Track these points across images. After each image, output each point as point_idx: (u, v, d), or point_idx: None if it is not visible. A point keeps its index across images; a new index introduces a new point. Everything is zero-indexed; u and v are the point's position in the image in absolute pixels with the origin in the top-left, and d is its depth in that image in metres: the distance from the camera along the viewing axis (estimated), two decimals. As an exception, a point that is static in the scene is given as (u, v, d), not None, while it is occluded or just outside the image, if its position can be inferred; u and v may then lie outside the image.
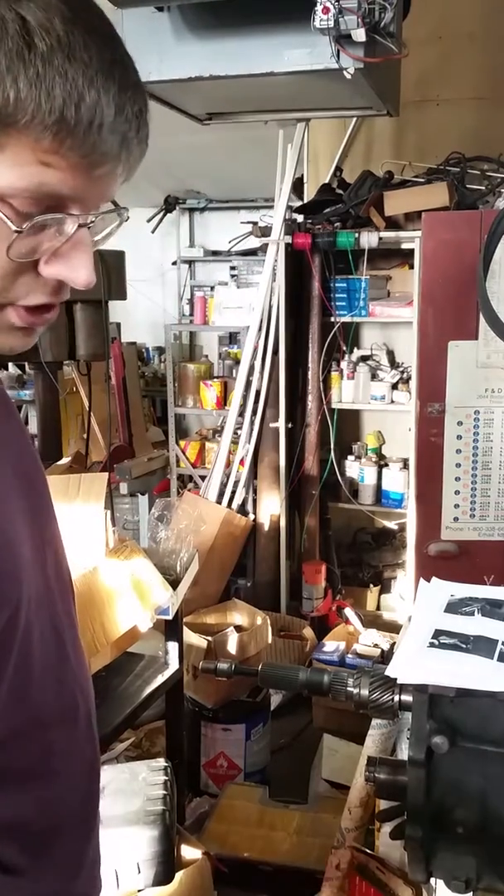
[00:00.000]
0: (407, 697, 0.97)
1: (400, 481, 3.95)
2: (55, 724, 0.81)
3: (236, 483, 3.98)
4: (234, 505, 3.96)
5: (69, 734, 0.83)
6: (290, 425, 3.92)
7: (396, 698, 1.00)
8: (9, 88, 0.63)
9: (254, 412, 3.95)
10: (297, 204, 4.03)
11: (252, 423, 3.95)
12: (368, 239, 3.59)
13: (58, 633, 0.82)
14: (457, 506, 3.14)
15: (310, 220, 3.85)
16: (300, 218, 3.91)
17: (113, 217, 0.76)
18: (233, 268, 6.55)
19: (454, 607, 1.04)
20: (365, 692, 1.04)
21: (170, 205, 6.85)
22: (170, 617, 2.29)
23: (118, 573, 2.17)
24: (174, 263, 7.16)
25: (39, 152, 0.65)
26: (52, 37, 0.63)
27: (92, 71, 0.65)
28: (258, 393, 3.93)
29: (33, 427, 4.08)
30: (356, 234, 3.61)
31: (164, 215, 6.87)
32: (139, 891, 1.87)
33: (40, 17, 0.63)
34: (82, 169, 0.67)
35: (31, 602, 0.76)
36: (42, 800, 0.80)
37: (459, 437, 3.10)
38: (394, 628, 3.46)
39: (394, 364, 4.02)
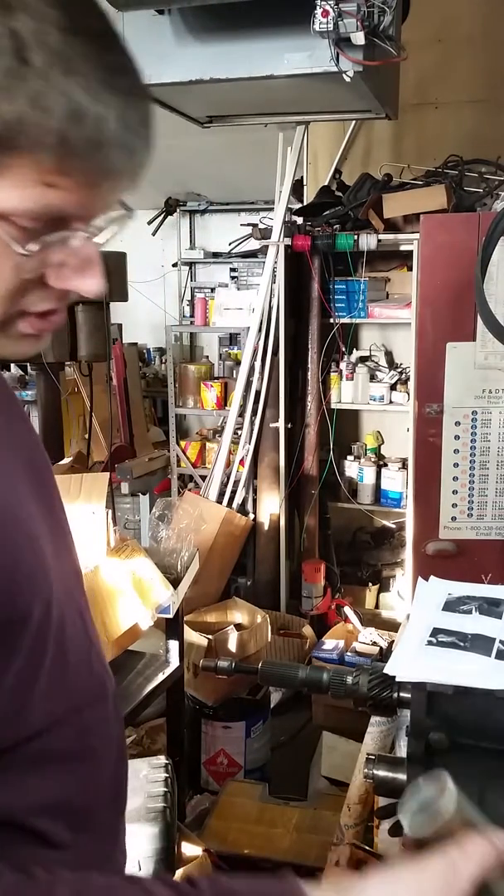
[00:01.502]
0: (406, 695, 0.99)
1: (398, 481, 3.96)
2: (89, 706, 0.84)
3: (236, 483, 4.00)
4: (235, 504, 3.98)
5: (101, 714, 0.86)
6: (289, 425, 3.93)
7: (395, 696, 1.02)
8: (6, 109, 0.59)
9: (254, 412, 3.96)
10: (297, 206, 4.05)
11: (252, 423, 3.96)
12: (367, 241, 3.60)
13: (83, 619, 0.85)
14: (455, 505, 3.16)
15: (309, 223, 3.87)
16: (300, 220, 3.92)
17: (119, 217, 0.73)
18: (233, 269, 6.55)
19: (452, 606, 1.06)
20: (364, 690, 1.06)
21: (170, 207, 6.85)
22: (170, 615, 2.31)
23: (119, 572, 2.19)
24: (175, 265, 7.16)
25: (43, 173, 0.62)
26: (46, 50, 0.59)
27: (92, 83, 0.61)
28: (258, 393, 3.94)
29: (35, 428, 4.09)
30: (355, 236, 3.62)
31: (165, 217, 6.87)
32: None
33: (33, 29, 0.59)
34: (88, 186, 0.65)
35: (60, 593, 0.78)
36: (82, 778, 0.83)
37: (457, 438, 3.12)
38: (392, 626, 3.48)
39: (392, 365, 4.04)
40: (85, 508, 2.22)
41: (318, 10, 2.43)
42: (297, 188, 4.19)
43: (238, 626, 3.25)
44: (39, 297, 0.71)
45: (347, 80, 2.59)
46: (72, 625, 0.80)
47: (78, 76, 0.60)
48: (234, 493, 3.99)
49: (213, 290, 6.20)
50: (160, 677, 2.32)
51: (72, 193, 0.64)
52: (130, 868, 1.84)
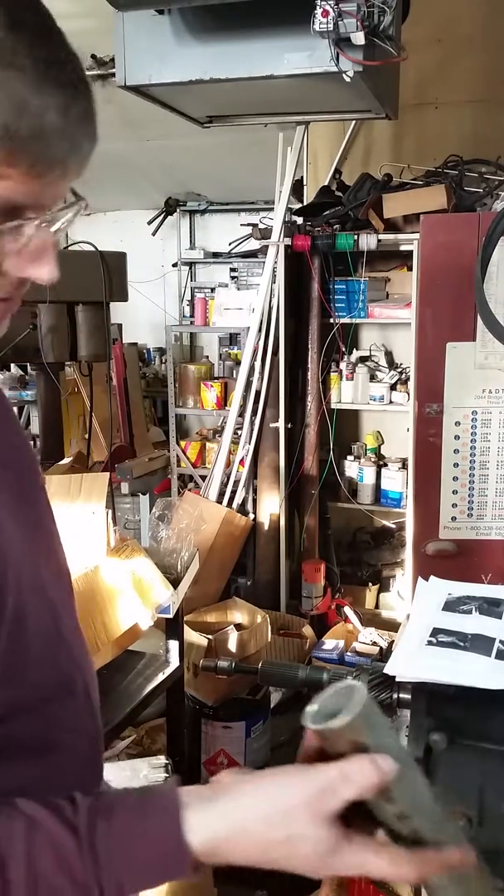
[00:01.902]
0: (406, 695, 0.99)
1: (398, 481, 3.96)
2: (55, 699, 0.84)
3: (236, 483, 3.99)
4: (235, 504, 3.97)
5: (69, 708, 0.87)
6: (289, 425, 3.93)
7: (395, 696, 1.02)
8: None
9: (254, 412, 3.96)
10: (297, 206, 4.05)
11: (252, 423, 3.96)
12: (367, 241, 3.60)
13: (54, 617, 0.85)
14: (455, 505, 3.15)
15: (309, 223, 3.87)
16: (300, 220, 3.92)
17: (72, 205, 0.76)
18: (233, 269, 6.55)
19: (452, 606, 1.06)
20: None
21: (170, 207, 6.86)
22: (170, 615, 2.31)
23: (119, 572, 2.19)
24: (175, 265, 7.16)
25: None
26: None
27: (32, 76, 0.64)
28: (258, 393, 3.94)
29: (35, 427, 4.10)
30: (355, 236, 3.62)
31: (165, 217, 6.88)
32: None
33: None
34: (33, 176, 0.68)
35: (22, 587, 0.79)
36: (48, 770, 0.84)
37: (457, 438, 3.11)
38: (392, 626, 3.48)
39: (392, 365, 4.03)
40: (85, 508, 2.22)
41: (318, 10, 2.43)
42: (297, 188, 4.19)
43: (238, 626, 3.24)
44: None
45: (347, 80, 2.59)
46: (37, 620, 0.81)
47: (20, 70, 0.64)
48: (234, 493, 3.99)
49: (213, 290, 6.20)
50: (160, 677, 2.32)
51: (20, 184, 0.67)
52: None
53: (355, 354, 4.03)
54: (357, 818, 0.69)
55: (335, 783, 0.67)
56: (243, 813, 0.70)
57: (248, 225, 5.09)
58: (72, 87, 0.67)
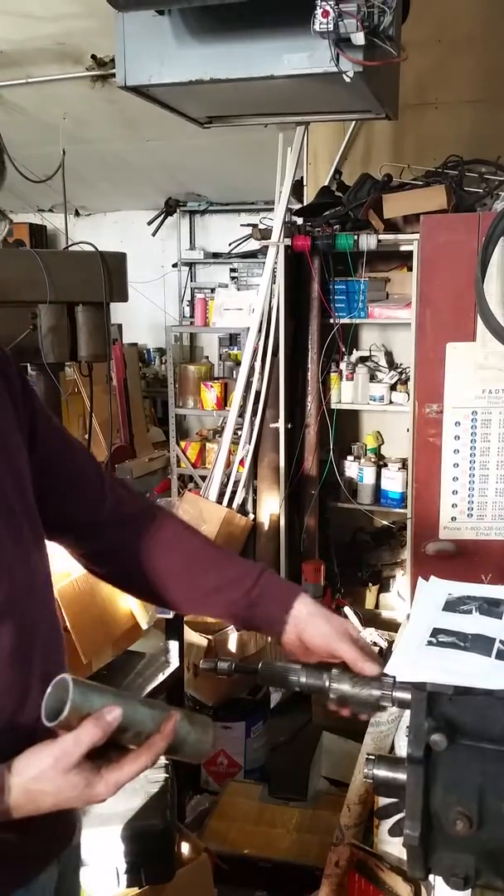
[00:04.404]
0: (406, 695, 0.99)
1: (398, 481, 3.96)
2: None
3: (236, 483, 4.00)
4: (235, 505, 3.98)
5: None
6: (289, 426, 3.93)
7: (395, 696, 1.02)
8: None
9: (254, 413, 3.96)
10: (297, 206, 4.05)
11: (252, 423, 3.96)
12: (367, 241, 3.60)
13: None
14: (455, 505, 3.15)
15: (309, 223, 3.87)
16: (300, 220, 3.92)
17: None
18: (233, 270, 6.56)
19: (452, 606, 1.05)
20: (346, 687, 1.06)
21: (170, 207, 6.87)
22: (170, 615, 2.31)
23: (120, 573, 2.19)
24: (175, 265, 7.17)
25: None
26: None
27: None
28: (258, 394, 3.94)
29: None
30: (355, 237, 3.62)
31: (165, 218, 6.89)
32: (140, 888, 1.88)
33: None
34: None
35: None
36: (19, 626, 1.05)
37: (457, 438, 3.11)
38: (392, 627, 3.48)
39: (392, 365, 4.03)
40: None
41: (318, 11, 2.42)
42: (297, 188, 4.19)
43: (238, 627, 3.24)
44: None
45: (347, 80, 2.58)
46: None
47: None
48: (234, 493, 3.99)
49: (213, 290, 6.21)
50: (160, 677, 2.32)
51: None
52: (130, 869, 1.84)
53: (355, 354, 4.03)
54: (110, 752, 0.94)
55: (69, 747, 0.91)
56: (26, 780, 0.92)
57: (248, 225, 5.10)
58: None
